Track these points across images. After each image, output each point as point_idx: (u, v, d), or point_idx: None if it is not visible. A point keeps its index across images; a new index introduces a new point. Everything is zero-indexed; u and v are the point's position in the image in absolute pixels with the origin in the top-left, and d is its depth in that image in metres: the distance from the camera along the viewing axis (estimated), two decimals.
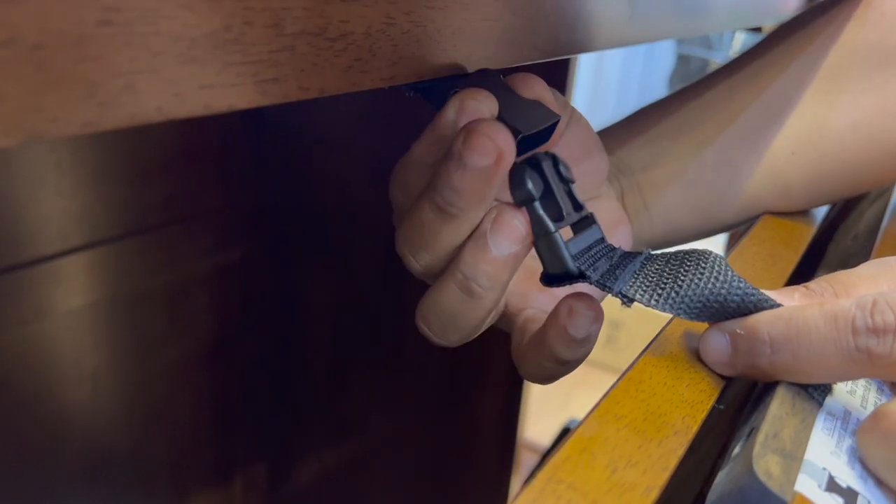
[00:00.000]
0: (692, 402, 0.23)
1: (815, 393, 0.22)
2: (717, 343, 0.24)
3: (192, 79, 0.16)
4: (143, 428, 0.77)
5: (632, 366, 0.25)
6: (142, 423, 0.77)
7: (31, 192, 0.60)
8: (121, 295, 0.68)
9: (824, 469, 0.19)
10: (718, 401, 0.23)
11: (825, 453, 0.20)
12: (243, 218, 0.77)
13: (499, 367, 0.73)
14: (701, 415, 0.22)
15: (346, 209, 0.77)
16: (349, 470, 0.89)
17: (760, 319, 0.23)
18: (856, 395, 0.23)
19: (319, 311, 0.82)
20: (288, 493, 0.93)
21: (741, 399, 0.25)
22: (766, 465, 0.19)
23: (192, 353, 0.77)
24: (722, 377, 0.24)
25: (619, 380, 0.24)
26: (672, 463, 0.20)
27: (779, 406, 0.22)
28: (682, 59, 2.54)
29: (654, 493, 0.19)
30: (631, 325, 1.71)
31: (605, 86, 2.54)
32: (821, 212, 0.44)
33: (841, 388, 0.23)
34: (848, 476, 0.19)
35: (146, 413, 0.76)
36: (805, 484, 0.19)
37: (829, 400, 0.22)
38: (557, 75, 0.61)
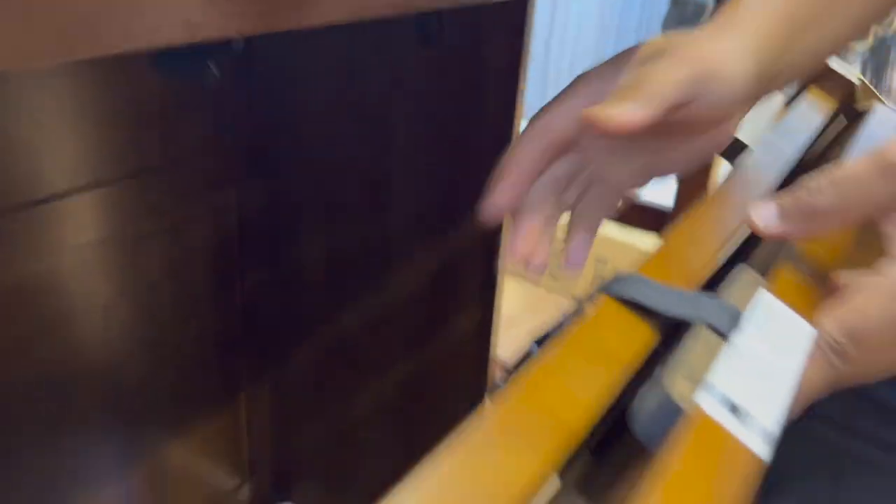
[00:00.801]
0: (635, 340, 0.29)
1: (725, 332, 0.28)
2: (766, 208, 0.31)
3: None
4: (150, 354, 0.83)
5: (588, 304, 0.31)
6: (150, 350, 0.83)
7: (41, 136, 0.64)
8: (127, 231, 0.73)
9: (721, 391, 0.25)
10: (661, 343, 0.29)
11: (724, 378, 0.26)
12: (237, 158, 0.81)
13: (473, 288, 0.79)
14: (643, 350, 0.28)
15: (334, 149, 0.82)
16: (341, 389, 0.96)
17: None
18: (756, 334, 0.29)
19: (310, 243, 0.88)
20: (287, 411, 1.01)
21: (669, 337, 0.31)
22: (676, 386, 0.25)
23: (194, 285, 0.83)
24: (657, 325, 0.30)
25: (574, 318, 0.30)
26: (614, 387, 0.26)
27: (693, 342, 0.28)
28: (677, 3, 2.55)
29: (596, 411, 0.25)
30: (616, 261, 1.80)
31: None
32: None
33: (745, 329, 0.29)
34: (740, 397, 0.26)
35: (154, 341, 0.82)
36: (705, 400, 0.25)
37: (734, 338, 0.28)
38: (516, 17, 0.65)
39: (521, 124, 0.71)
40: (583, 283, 1.79)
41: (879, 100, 0.61)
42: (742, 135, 0.56)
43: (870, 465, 0.53)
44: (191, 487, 1.06)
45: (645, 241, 1.69)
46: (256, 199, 0.87)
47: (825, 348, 0.28)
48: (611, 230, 1.73)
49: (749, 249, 0.38)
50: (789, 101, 0.64)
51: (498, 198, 0.37)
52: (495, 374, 0.84)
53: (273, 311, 0.97)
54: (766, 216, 0.32)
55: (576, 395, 0.25)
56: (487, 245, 0.79)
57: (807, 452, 0.56)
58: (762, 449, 0.24)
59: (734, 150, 0.54)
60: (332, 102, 0.79)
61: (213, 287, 0.87)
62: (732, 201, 0.41)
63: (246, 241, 0.88)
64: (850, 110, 0.63)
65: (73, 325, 0.74)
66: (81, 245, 0.70)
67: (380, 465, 1.02)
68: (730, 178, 0.45)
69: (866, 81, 0.62)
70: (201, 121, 0.77)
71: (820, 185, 0.31)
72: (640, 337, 0.29)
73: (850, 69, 0.63)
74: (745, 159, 0.48)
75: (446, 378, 0.90)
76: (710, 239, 0.36)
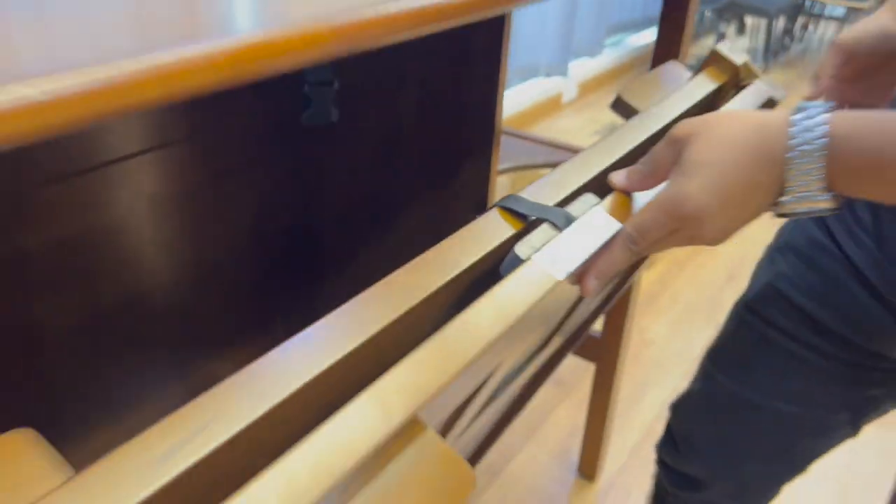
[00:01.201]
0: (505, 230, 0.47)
1: (560, 226, 0.46)
2: (617, 176, 0.52)
3: None
4: (198, 289, 1.03)
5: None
6: (198, 286, 1.02)
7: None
8: (176, 186, 0.92)
9: (544, 250, 0.44)
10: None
11: (547, 246, 0.44)
12: (267, 128, 1.01)
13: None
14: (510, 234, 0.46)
15: (351, 114, 1.00)
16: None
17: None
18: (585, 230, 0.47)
19: (330, 196, 1.07)
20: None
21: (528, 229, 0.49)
22: (521, 248, 0.43)
23: (234, 228, 1.03)
24: (523, 222, 0.48)
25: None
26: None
27: (539, 231, 0.46)
28: None
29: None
30: None
31: None
32: None
33: (573, 226, 0.47)
34: (553, 255, 0.44)
35: (201, 277, 1.01)
36: (540, 257, 0.43)
37: (565, 229, 0.46)
38: None
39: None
40: None
41: (757, 77, 0.78)
42: (636, 102, 0.74)
43: (787, 353, 0.71)
44: None
45: None
46: (287, 161, 1.06)
47: (623, 238, 0.46)
48: None
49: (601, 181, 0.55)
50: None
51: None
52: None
53: (301, 251, 1.16)
54: (617, 181, 0.50)
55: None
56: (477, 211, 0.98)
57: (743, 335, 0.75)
58: (559, 275, 0.42)
59: (626, 111, 0.71)
60: (358, 81, 0.97)
61: (249, 230, 1.06)
62: (603, 149, 0.59)
63: (276, 196, 1.08)
64: (736, 85, 0.80)
65: (143, 261, 0.94)
66: (148, 195, 0.89)
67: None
68: (613, 133, 0.62)
69: (749, 63, 0.79)
70: (234, 101, 0.95)
71: (643, 160, 0.49)
72: (510, 227, 0.47)
73: (737, 53, 0.80)
74: (632, 120, 0.65)
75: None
76: (576, 174, 0.54)
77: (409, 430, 0.35)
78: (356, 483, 0.33)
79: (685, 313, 1.86)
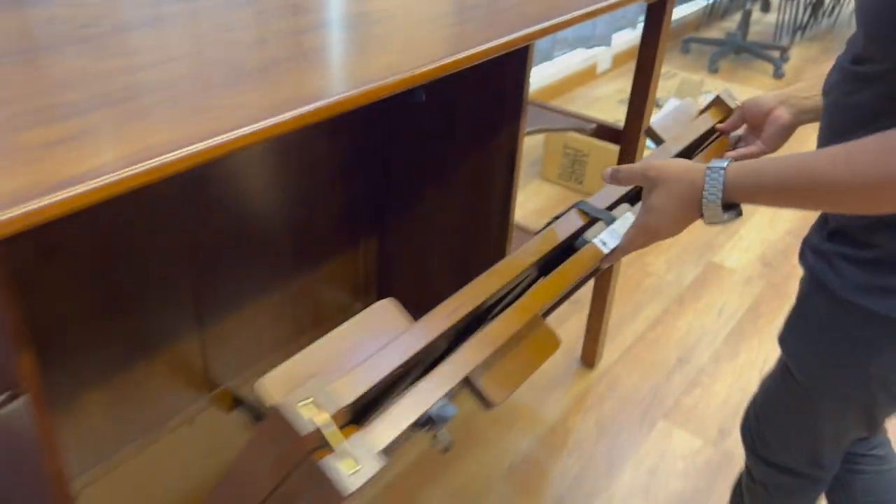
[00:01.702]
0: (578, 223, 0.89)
1: (607, 221, 0.89)
2: (606, 171, 0.92)
3: None
4: (297, 215, 1.46)
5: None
6: (296, 213, 1.46)
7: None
8: (257, 148, 1.34)
9: (598, 236, 0.87)
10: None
11: (600, 232, 0.87)
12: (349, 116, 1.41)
13: (502, 172, 1.38)
14: (581, 225, 0.89)
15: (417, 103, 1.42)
16: (419, 242, 1.60)
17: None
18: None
19: (399, 155, 1.49)
20: (387, 253, 1.65)
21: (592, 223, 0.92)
22: (587, 235, 0.87)
23: (325, 175, 1.45)
24: (589, 218, 0.91)
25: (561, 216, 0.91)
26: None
27: (597, 225, 0.89)
28: None
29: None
30: (594, 156, 2.40)
31: None
32: None
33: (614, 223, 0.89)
34: (604, 237, 0.87)
35: (300, 205, 1.45)
36: (596, 240, 0.86)
37: (611, 225, 0.89)
38: None
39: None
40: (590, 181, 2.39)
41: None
42: (661, 132, 1.14)
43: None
44: (327, 302, 1.72)
45: (609, 147, 2.29)
46: (367, 129, 1.47)
47: (636, 228, 0.88)
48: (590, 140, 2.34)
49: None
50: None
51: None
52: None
53: (380, 194, 1.59)
54: (605, 174, 0.92)
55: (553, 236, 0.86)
56: (510, 162, 1.40)
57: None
58: (605, 251, 0.86)
59: (655, 138, 1.12)
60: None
61: (341, 183, 1.50)
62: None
63: (359, 151, 1.51)
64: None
65: (250, 196, 1.37)
66: (271, 148, 1.32)
67: (441, 282, 1.66)
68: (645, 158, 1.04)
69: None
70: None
71: (628, 170, 0.89)
72: (581, 220, 0.90)
73: (734, 100, 1.19)
74: (658, 148, 1.06)
75: (485, 231, 1.52)
76: (616, 191, 0.96)
77: (532, 319, 0.79)
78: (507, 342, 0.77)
79: (681, 253, 2.29)
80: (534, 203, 2.49)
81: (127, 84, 0.71)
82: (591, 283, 1.75)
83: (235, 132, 0.64)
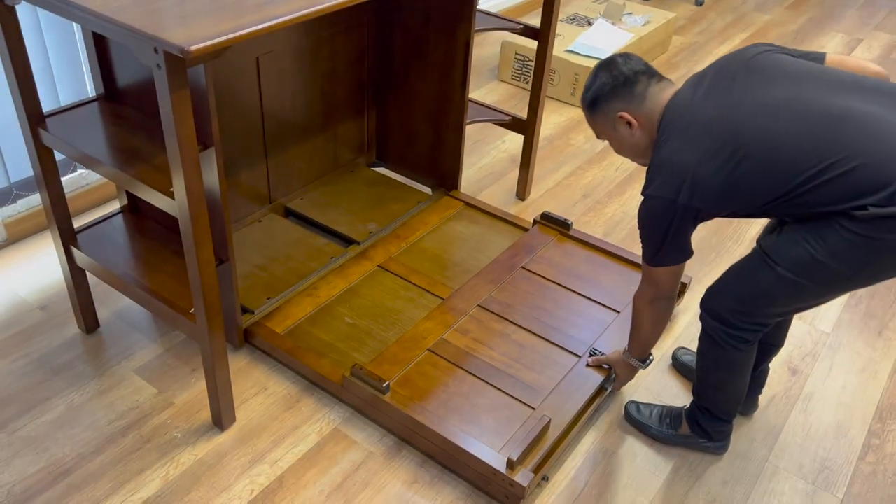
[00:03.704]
0: None
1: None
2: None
3: None
4: (326, 90, 2.28)
5: None
6: (325, 89, 2.28)
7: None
8: (299, 43, 2.15)
9: None
10: None
11: None
12: (362, 10, 2.23)
13: (461, 57, 2.21)
14: None
15: (406, 16, 2.24)
16: (408, 114, 2.43)
17: None
18: None
19: (394, 50, 2.30)
20: (386, 120, 2.47)
21: None
22: None
23: (344, 67, 2.27)
24: None
25: None
26: None
27: None
28: None
29: None
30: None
31: None
32: None
33: None
34: None
35: (328, 82, 2.26)
36: None
37: None
38: None
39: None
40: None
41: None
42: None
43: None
44: (341, 154, 2.54)
45: (552, 55, 3.08)
46: (371, 27, 2.28)
47: (618, 381, 1.69)
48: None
49: None
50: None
51: None
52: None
53: (379, 76, 2.41)
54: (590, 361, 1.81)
55: None
56: (466, 49, 2.21)
57: None
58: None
59: None
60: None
61: (353, 69, 2.31)
62: None
63: (366, 44, 2.31)
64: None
65: (296, 76, 2.18)
66: (279, 51, 2.13)
67: (420, 140, 2.48)
68: None
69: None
70: None
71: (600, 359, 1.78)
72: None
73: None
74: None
75: (450, 101, 2.34)
76: None
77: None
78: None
79: None
80: (492, 98, 3.30)
81: None
82: (523, 142, 2.57)
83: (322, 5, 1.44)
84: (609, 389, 1.83)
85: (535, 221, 2.34)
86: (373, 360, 1.83)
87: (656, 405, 1.84)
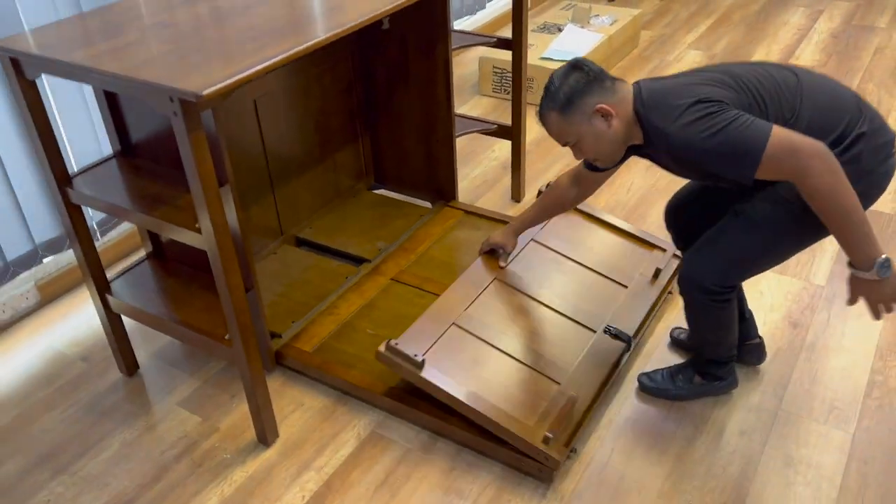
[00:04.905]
0: None
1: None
2: None
3: None
4: (320, 124, 2.43)
5: None
6: (319, 122, 2.43)
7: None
8: (291, 83, 2.31)
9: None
10: None
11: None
12: (345, 46, 2.39)
13: (443, 75, 2.38)
14: None
15: (383, 48, 2.38)
16: (399, 136, 2.57)
17: None
18: None
19: (380, 80, 2.45)
20: (380, 146, 2.61)
21: None
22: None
23: (330, 101, 2.42)
24: None
25: None
26: None
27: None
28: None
29: None
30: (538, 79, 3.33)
31: None
32: None
33: None
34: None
35: (321, 116, 2.41)
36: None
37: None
38: None
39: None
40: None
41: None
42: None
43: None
44: (342, 182, 2.68)
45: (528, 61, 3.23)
46: (356, 59, 2.43)
47: None
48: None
49: None
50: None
51: None
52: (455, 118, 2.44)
53: (368, 104, 2.55)
54: None
55: None
56: (446, 67, 2.36)
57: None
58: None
59: None
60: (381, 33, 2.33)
61: (342, 100, 2.46)
62: None
63: (353, 75, 2.46)
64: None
65: (293, 112, 2.33)
66: (273, 92, 2.28)
67: (414, 159, 2.62)
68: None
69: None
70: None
71: None
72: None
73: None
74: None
75: (437, 119, 2.48)
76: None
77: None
78: None
79: None
80: (476, 111, 3.45)
81: (250, 34, 1.66)
82: (511, 147, 2.71)
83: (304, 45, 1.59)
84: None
85: (539, 192, 2.41)
86: (401, 336, 1.85)
87: (662, 368, 1.96)
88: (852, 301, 1.49)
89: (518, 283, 2.12)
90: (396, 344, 1.77)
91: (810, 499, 1.67)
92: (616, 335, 1.98)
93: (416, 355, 1.76)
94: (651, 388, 1.93)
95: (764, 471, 1.74)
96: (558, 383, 1.84)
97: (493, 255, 2.13)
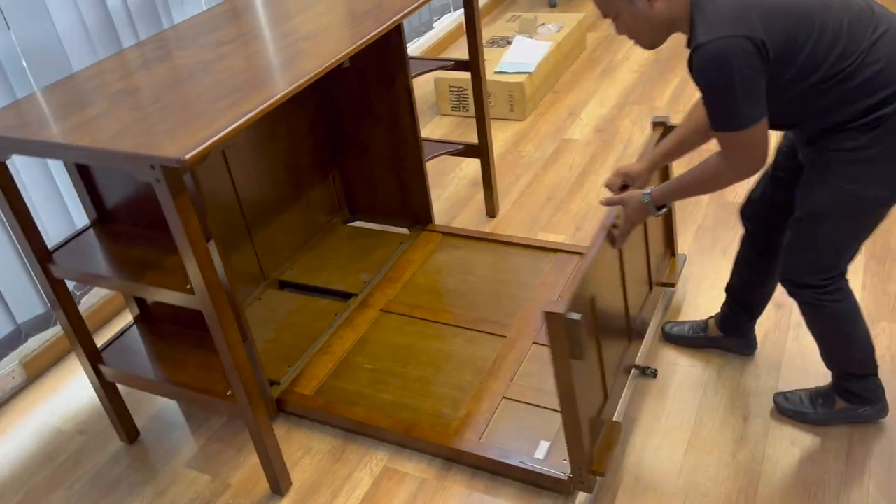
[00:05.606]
0: None
1: None
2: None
3: None
4: (290, 164, 2.44)
5: None
6: (290, 162, 2.44)
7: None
8: (257, 130, 2.32)
9: None
10: None
11: None
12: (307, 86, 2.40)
13: (406, 102, 2.41)
14: None
15: (346, 88, 2.41)
16: (370, 170, 2.59)
17: None
18: None
19: (346, 118, 2.47)
20: (350, 182, 2.62)
21: None
22: None
23: (297, 141, 2.43)
24: None
25: None
26: None
27: None
28: None
29: None
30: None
31: None
32: None
33: None
34: None
35: (291, 156, 2.42)
36: None
37: None
38: None
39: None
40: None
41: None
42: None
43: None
44: (318, 219, 2.68)
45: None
46: (320, 100, 2.45)
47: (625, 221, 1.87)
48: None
49: None
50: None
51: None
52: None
53: (335, 139, 2.57)
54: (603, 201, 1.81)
55: None
56: (408, 95, 2.39)
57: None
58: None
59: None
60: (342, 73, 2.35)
61: (309, 139, 2.47)
62: None
63: (319, 115, 2.47)
64: None
65: (264, 156, 2.34)
66: (240, 141, 2.28)
67: (390, 194, 2.64)
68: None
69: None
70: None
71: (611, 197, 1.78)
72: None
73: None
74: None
75: (405, 146, 2.50)
76: None
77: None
78: None
79: (543, 138, 3.31)
80: (439, 132, 3.48)
81: (235, 83, 1.66)
82: (480, 165, 2.74)
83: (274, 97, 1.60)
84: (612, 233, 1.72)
85: (654, 124, 2.06)
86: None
87: (801, 390, 1.88)
88: (610, 203, 1.72)
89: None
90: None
91: (819, 473, 1.72)
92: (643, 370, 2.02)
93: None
94: (789, 409, 1.86)
95: (772, 452, 1.79)
96: None
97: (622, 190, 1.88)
